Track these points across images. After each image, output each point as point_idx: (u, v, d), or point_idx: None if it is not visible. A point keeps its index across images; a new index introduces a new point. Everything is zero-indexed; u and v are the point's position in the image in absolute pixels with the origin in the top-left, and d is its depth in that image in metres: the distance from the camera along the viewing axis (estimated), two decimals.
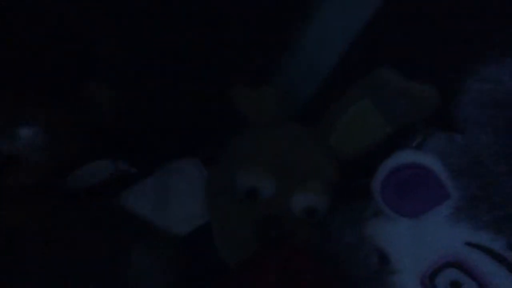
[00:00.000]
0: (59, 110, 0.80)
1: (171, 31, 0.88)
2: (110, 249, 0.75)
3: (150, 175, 0.83)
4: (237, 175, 0.77)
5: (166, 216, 0.80)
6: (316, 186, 0.76)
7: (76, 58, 0.84)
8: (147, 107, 0.87)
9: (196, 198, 0.80)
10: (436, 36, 0.86)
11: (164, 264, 0.77)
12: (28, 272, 0.72)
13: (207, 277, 0.76)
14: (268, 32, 0.89)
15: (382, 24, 0.87)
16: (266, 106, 0.80)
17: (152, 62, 0.88)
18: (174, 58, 0.88)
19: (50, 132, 0.79)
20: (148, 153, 0.86)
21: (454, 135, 0.68)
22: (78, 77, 0.83)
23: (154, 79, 0.88)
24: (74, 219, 0.77)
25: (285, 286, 0.65)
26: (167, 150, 0.86)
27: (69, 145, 0.81)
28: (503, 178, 0.64)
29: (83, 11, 0.84)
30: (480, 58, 0.68)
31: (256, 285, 0.67)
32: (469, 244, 0.64)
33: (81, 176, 0.81)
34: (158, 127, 0.87)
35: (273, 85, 0.86)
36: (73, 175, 0.81)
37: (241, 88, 0.81)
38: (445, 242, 0.65)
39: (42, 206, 0.77)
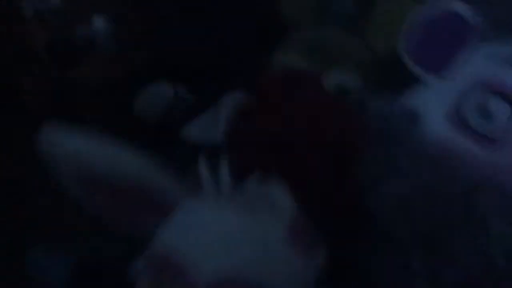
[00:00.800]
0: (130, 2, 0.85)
1: None
2: None
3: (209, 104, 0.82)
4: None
5: None
6: (348, 66, 0.77)
7: None
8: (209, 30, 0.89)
9: None
10: None
11: None
12: None
13: None
14: None
15: None
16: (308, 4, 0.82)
17: None
18: None
19: (120, 24, 0.84)
20: (205, 80, 0.83)
21: None
22: None
23: None
24: None
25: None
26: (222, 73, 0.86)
27: (137, 41, 0.85)
28: None
29: None
30: None
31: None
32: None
33: (143, 100, 0.82)
34: (213, 50, 0.88)
35: None
36: (136, 97, 0.82)
37: None
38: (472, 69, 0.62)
39: None
